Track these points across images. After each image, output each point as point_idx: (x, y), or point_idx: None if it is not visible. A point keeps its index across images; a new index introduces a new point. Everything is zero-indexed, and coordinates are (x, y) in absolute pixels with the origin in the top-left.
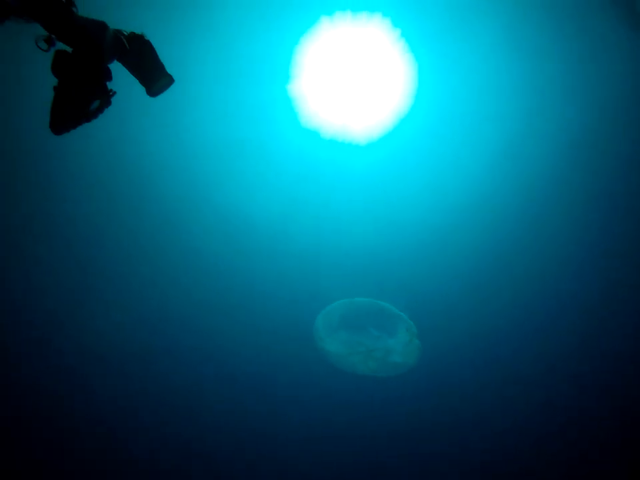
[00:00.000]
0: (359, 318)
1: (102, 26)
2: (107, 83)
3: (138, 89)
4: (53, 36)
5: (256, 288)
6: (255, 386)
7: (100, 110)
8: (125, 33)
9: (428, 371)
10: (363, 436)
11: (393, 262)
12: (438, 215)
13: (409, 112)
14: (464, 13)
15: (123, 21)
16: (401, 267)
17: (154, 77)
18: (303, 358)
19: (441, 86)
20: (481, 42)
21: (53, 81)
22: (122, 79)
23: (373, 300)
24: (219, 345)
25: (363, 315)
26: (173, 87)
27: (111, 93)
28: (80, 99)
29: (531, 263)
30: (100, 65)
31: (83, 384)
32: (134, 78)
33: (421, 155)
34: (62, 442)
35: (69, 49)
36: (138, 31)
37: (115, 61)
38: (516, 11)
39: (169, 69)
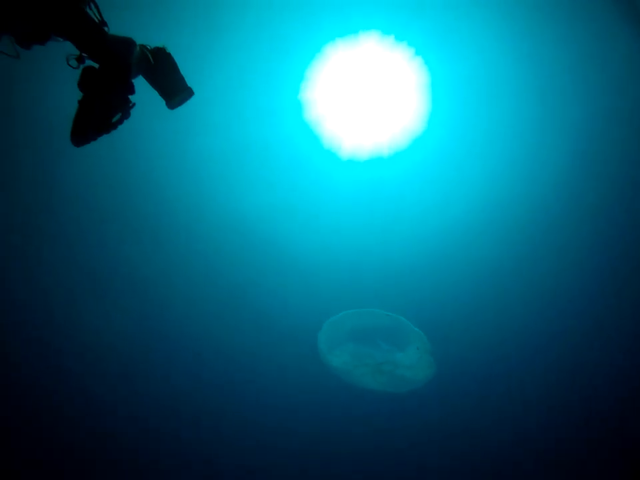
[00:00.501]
0: (368, 330)
1: (130, 43)
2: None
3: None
4: (85, 54)
5: (264, 296)
6: (254, 393)
7: (120, 122)
8: (150, 48)
9: (439, 387)
10: (368, 451)
11: (406, 274)
12: (453, 228)
13: (424, 126)
14: (471, 23)
15: (135, 28)
16: (414, 279)
17: (174, 89)
18: (308, 368)
19: (456, 99)
20: (490, 50)
21: (75, 94)
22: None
23: (383, 311)
24: (221, 350)
25: (372, 328)
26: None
27: (130, 105)
28: (103, 112)
29: (547, 273)
30: (126, 80)
31: (83, 384)
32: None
33: (438, 167)
34: (61, 442)
35: (95, 65)
36: (160, 44)
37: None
38: (522, 21)
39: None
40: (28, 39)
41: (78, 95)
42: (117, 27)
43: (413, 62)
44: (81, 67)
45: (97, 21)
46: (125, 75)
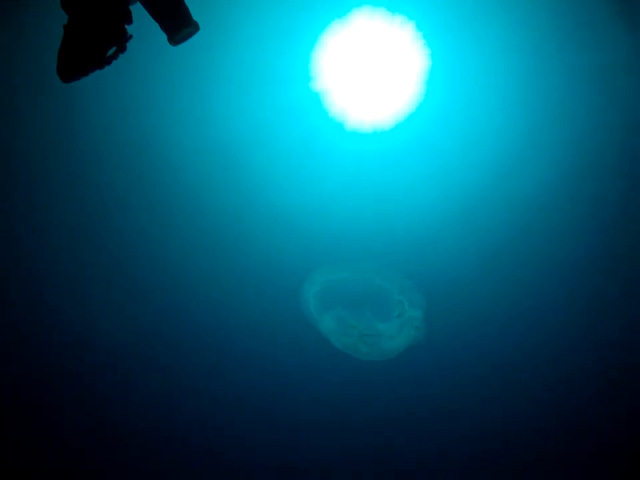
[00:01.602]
0: (356, 297)
1: None
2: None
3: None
4: None
5: (260, 260)
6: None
7: (114, 57)
8: None
9: (421, 358)
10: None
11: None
12: (453, 199)
13: (424, 100)
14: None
15: None
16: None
17: (178, 23)
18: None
19: (456, 76)
20: (493, 35)
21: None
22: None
23: (373, 277)
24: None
25: (360, 295)
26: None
27: (128, 37)
28: (95, 41)
29: (542, 253)
30: (121, 4)
31: (83, 383)
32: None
33: (439, 138)
34: (61, 441)
35: None
36: None
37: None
38: (526, 12)
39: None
40: None
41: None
42: None
43: (417, 38)
44: None
45: None
46: None
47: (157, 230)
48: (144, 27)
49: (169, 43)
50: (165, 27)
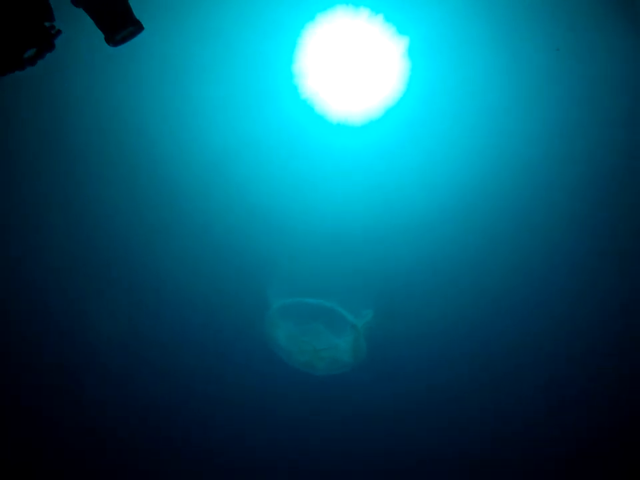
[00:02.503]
0: (307, 316)
1: None
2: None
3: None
4: None
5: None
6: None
7: (39, 56)
8: None
9: (375, 369)
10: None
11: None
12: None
13: (407, 93)
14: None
15: None
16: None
17: (118, 22)
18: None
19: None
20: (477, 31)
21: None
22: None
23: (323, 301)
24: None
25: (312, 313)
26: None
27: (54, 33)
28: (7, 42)
29: (528, 251)
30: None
31: (83, 383)
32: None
33: (420, 133)
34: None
35: None
36: None
37: None
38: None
39: None
40: None
41: None
42: None
43: (399, 32)
44: None
45: None
46: None
47: (138, 231)
48: None
49: (107, 43)
50: (103, 26)
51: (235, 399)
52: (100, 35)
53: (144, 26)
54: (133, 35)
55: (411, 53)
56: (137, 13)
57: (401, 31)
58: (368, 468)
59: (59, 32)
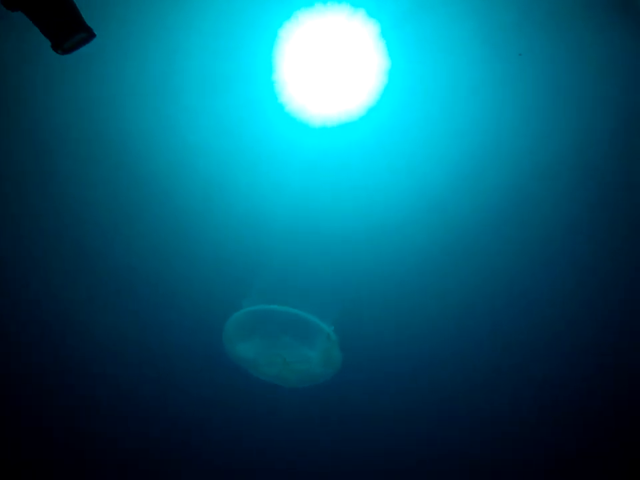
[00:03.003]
0: (275, 326)
1: None
2: None
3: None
4: None
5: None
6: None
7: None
8: None
9: (349, 380)
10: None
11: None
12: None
13: (386, 93)
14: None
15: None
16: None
17: (66, 29)
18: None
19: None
20: (466, 28)
21: None
22: None
23: (291, 309)
24: None
25: (279, 324)
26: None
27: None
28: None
29: (507, 253)
30: None
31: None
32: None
33: (400, 136)
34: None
35: None
36: None
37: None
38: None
39: None
40: None
41: None
42: None
43: (378, 30)
44: None
45: None
46: None
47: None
48: None
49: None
50: (49, 32)
51: (198, 414)
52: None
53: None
54: (84, 42)
55: (391, 51)
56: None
57: (382, 28)
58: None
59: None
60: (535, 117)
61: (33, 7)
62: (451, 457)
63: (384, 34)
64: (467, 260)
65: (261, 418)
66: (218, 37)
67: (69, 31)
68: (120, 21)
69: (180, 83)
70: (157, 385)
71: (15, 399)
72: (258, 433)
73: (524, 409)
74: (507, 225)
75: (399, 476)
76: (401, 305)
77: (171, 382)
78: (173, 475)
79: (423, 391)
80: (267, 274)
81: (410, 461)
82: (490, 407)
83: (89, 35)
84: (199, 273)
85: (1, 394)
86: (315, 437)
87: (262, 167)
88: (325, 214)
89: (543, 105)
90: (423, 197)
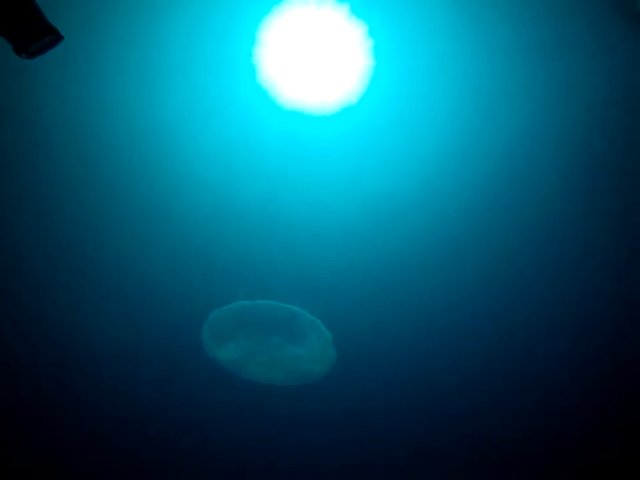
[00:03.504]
0: (262, 323)
1: None
2: None
3: None
4: None
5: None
6: None
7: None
8: None
9: (344, 378)
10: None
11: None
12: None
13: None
14: None
15: None
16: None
17: (30, 32)
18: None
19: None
20: (456, 16)
21: None
22: None
23: (278, 303)
24: None
25: (267, 320)
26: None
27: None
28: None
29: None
30: None
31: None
32: None
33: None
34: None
35: None
36: None
37: None
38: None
39: None
40: None
41: None
42: None
43: (364, 22)
44: None
45: None
46: None
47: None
48: None
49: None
50: (11, 36)
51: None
52: None
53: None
54: (50, 45)
55: (377, 39)
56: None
57: (367, 16)
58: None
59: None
60: (531, 111)
61: None
62: (449, 453)
63: (371, 26)
64: (462, 250)
65: (254, 418)
66: (200, 31)
67: (33, 35)
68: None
69: (164, 76)
70: (148, 387)
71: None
72: (251, 433)
73: (517, 405)
74: (502, 214)
75: (394, 473)
76: (395, 296)
77: (159, 382)
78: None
79: (420, 385)
80: (254, 269)
81: (404, 456)
82: (486, 401)
83: (55, 37)
84: (184, 268)
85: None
86: (310, 434)
87: (251, 159)
88: (312, 205)
89: (536, 98)
90: (412, 187)
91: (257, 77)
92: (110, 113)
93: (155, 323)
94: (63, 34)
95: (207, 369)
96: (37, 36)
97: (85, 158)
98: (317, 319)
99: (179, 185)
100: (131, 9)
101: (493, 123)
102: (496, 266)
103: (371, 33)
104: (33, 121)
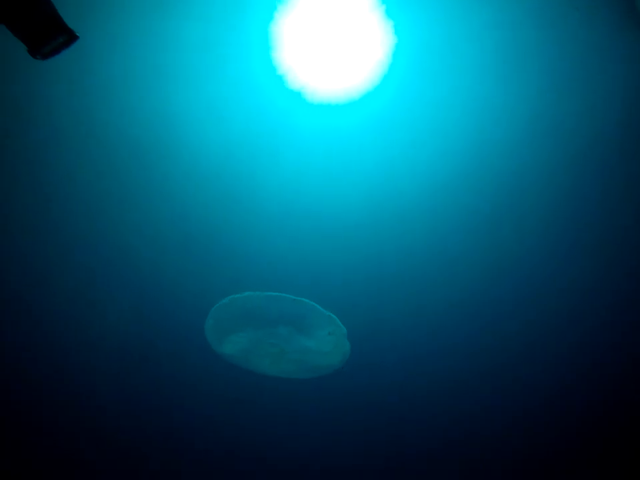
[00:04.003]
0: (272, 315)
1: None
2: None
3: None
4: None
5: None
6: None
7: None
8: None
9: (356, 372)
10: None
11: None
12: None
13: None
14: None
15: None
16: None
17: (45, 32)
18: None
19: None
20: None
21: None
22: None
23: (290, 296)
24: None
25: (277, 312)
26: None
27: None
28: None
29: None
30: None
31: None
32: None
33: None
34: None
35: None
36: None
37: None
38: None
39: None
40: None
41: None
42: None
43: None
44: None
45: None
46: None
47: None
48: None
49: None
50: (27, 37)
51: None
52: None
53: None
54: (65, 45)
55: (398, 25)
56: None
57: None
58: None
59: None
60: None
61: (5, 9)
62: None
63: (388, 8)
64: (476, 245)
65: (260, 412)
66: (215, 17)
67: (48, 35)
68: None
69: (171, 61)
70: (152, 380)
71: None
72: (257, 426)
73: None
74: (516, 211)
75: (406, 471)
76: (405, 290)
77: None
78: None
79: (433, 378)
80: (262, 259)
81: (416, 453)
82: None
83: (70, 37)
84: (192, 258)
85: None
86: (317, 429)
87: (266, 148)
88: (326, 197)
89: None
90: (431, 179)
91: (273, 63)
92: (122, 107)
93: (159, 314)
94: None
95: (213, 360)
96: (51, 36)
97: (97, 152)
98: (332, 314)
99: (192, 177)
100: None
101: (520, 109)
102: (521, 255)
103: (389, 13)
104: (42, 118)
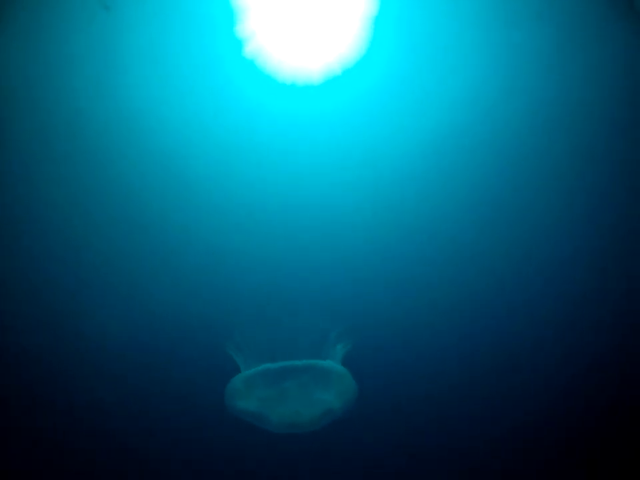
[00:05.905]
0: (280, 376)
1: None
2: None
3: None
4: None
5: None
6: None
7: None
8: None
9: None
10: None
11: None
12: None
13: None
14: None
15: None
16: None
17: None
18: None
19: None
20: None
21: None
22: None
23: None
24: None
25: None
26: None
27: None
28: None
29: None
30: None
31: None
32: None
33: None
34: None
35: None
36: None
37: None
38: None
39: None
40: None
41: None
42: None
43: None
44: None
45: None
46: None
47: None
48: None
49: None
50: None
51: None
52: None
53: None
54: None
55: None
56: None
57: None
58: None
59: None
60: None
61: None
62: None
63: None
64: (474, 244)
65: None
66: None
67: None
68: None
69: (132, 44)
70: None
71: None
72: None
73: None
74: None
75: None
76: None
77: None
78: None
79: (448, 411)
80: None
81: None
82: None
83: None
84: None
85: None
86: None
87: (234, 134)
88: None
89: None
90: (420, 164)
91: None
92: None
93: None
94: None
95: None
96: None
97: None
98: (345, 369)
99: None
100: None
101: (515, 90)
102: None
103: None
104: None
